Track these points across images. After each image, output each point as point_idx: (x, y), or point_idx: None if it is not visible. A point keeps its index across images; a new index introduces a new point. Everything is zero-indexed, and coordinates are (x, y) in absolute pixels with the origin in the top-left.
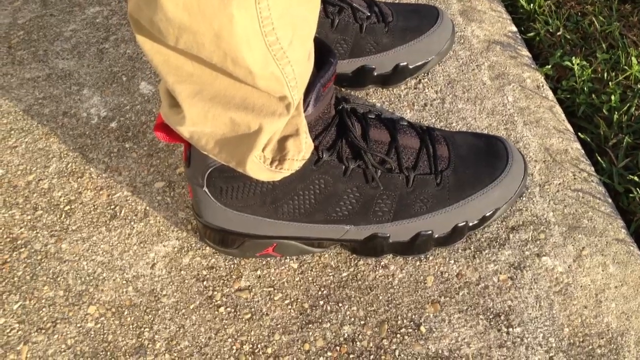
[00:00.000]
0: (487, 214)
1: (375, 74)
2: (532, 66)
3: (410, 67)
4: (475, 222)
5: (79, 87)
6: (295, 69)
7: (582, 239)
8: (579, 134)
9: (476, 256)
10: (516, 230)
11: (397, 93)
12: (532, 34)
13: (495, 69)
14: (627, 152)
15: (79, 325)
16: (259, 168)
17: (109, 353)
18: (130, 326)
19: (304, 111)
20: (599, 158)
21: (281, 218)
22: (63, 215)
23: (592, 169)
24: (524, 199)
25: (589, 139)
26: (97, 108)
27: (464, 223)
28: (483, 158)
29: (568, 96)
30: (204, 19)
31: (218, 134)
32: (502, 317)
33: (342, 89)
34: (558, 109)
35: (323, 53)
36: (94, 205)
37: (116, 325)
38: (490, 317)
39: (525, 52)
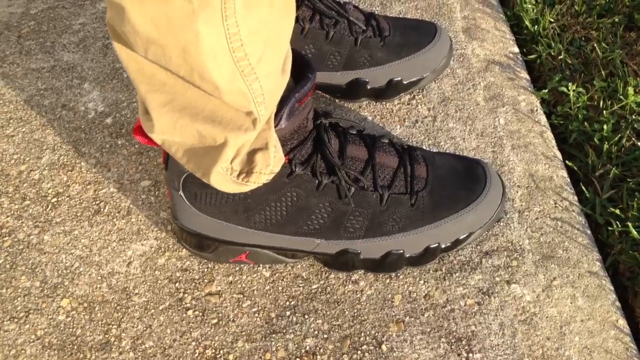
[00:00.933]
0: (461, 237)
1: (369, 87)
2: (529, 89)
3: (405, 82)
4: (449, 244)
5: (81, 81)
6: (263, 85)
7: (554, 269)
8: (567, 161)
9: (446, 278)
10: (489, 256)
11: (390, 108)
12: (533, 56)
13: (491, 89)
14: (613, 183)
15: (50, 317)
16: (223, 180)
17: (75, 347)
18: (100, 322)
19: (276, 125)
20: (583, 187)
21: (253, 227)
22: (49, 207)
23: (575, 198)
24: (501, 224)
25: (576, 168)
26: (95, 102)
27: (436, 245)
28: (461, 181)
29: (562, 122)
30: (171, 33)
31: (186, 144)
32: (463, 342)
33: (336, 100)
34: (549, 134)
35: (302, 68)
36: (80, 200)
37: (86, 320)
38: (452, 340)
39: (524, 74)
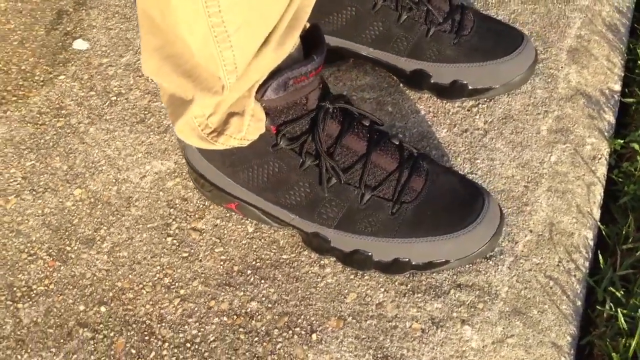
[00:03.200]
0: (435, 261)
1: (432, 81)
2: (605, 134)
3: (470, 87)
4: (420, 263)
5: None
6: (237, 54)
7: (517, 326)
8: (602, 224)
9: (407, 295)
10: (460, 289)
11: (447, 109)
12: (632, 100)
13: (562, 121)
14: (636, 262)
15: (60, 200)
16: (190, 133)
17: (67, 233)
18: (95, 220)
19: (262, 95)
20: (600, 256)
21: (238, 183)
22: (107, 103)
23: (586, 264)
24: (490, 262)
25: (607, 232)
26: None
27: (407, 260)
28: (453, 207)
29: (621, 179)
30: None
31: (167, 90)
32: None
33: (401, 85)
34: (598, 188)
35: (314, 47)
36: (133, 105)
37: (86, 214)
38: (379, 356)
39: (610, 116)
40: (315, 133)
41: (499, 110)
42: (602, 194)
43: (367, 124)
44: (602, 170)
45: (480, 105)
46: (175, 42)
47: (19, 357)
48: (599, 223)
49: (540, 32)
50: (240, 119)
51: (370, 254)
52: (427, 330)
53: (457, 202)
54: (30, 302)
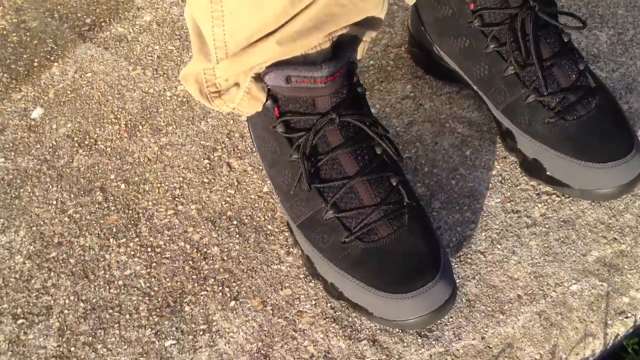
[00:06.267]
0: (360, 305)
1: (518, 147)
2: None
3: (548, 173)
4: (347, 298)
5: None
6: (227, 35)
7: None
8: None
9: (327, 320)
10: (373, 345)
11: (518, 182)
12: None
13: (621, 260)
14: None
15: (163, 88)
16: (192, 85)
17: (148, 116)
18: (173, 116)
19: (263, 76)
20: None
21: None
22: None
23: None
24: (419, 339)
25: None
26: None
27: (340, 290)
28: (399, 268)
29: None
30: None
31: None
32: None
33: (498, 137)
34: (596, 345)
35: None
36: None
37: (170, 108)
38: (261, 352)
39: None
40: (309, 134)
41: (566, 212)
42: (596, 354)
43: (379, 152)
44: (618, 329)
45: (553, 197)
46: (192, 2)
47: (52, 184)
48: None
49: None
50: (237, 91)
51: (315, 266)
52: (315, 358)
53: (408, 266)
54: (88, 152)
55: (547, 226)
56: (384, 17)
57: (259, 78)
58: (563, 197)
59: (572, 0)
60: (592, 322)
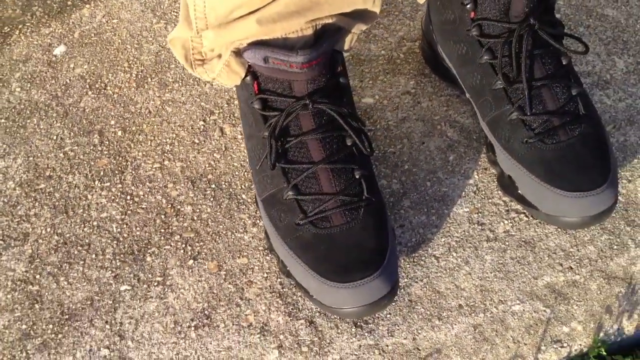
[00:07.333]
0: (304, 286)
1: (497, 160)
2: (605, 336)
3: (519, 191)
4: (297, 280)
5: None
6: (208, 8)
7: None
8: None
9: (273, 294)
10: (309, 325)
11: (491, 195)
12: None
13: (572, 291)
14: None
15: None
16: (179, 50)
17: (160, 69)
18: (181, 74)
19: (241, 54)
20: None
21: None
22: None
23: None
24: (353, 329)
25: None
26: None
27: (288, 269)
28: (344, 257)
29: None
30: None
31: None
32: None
33: (484, 148)
34: None
35: (313, 45)
36: None
37: (181, 67)
38: (205, 314)
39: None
40: (280, 116)
41: (530, 233)
42: None
43: (349, 143)
44: (550, 356)
45: (521, 216)
46: None
47: (56, 120)
48: None
49: None
50: (217, 62)
51: (271, 241)
52: (252, 327)
53: (352, 257)
54: (96, 95)
55: (507, 243)
56: (378, 12)
57: (239, 53)
58: (530, 218)
59: (599, 22)
60: (525, 344)
